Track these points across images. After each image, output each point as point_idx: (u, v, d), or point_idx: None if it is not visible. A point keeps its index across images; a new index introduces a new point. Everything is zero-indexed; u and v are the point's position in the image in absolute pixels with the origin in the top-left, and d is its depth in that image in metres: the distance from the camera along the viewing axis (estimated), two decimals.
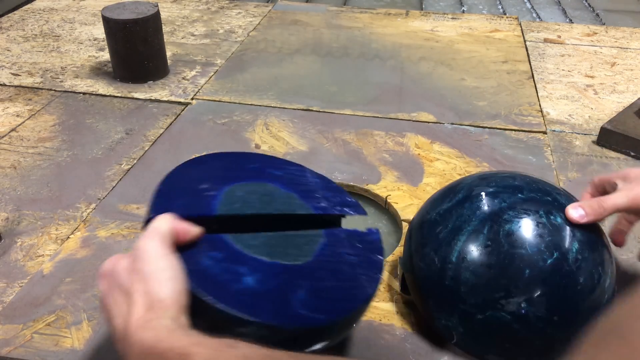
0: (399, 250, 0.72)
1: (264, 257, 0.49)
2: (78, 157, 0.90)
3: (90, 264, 0.69)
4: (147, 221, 0.50)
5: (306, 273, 0.49)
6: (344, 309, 0.47)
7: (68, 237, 0.74)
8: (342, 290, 0.48)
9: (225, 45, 1.31)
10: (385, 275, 0.68)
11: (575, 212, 0.55)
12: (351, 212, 0.57)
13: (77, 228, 0.75)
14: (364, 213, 0.57)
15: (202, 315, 0.44)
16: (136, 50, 1.09)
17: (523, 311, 0.52)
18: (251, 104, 1.06)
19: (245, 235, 0.50)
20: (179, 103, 1.06)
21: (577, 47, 1.32)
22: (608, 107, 1.07)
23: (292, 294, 0.46)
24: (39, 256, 0.71)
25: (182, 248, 0.47)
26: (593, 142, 0.96)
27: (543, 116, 1.03)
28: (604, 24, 1.65)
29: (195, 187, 0.54)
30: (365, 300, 0.49)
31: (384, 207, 0.82)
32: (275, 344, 0.41)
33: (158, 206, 0.51)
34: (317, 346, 0.49)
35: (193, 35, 1.37)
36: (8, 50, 1.27)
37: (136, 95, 1.09)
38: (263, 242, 0.50)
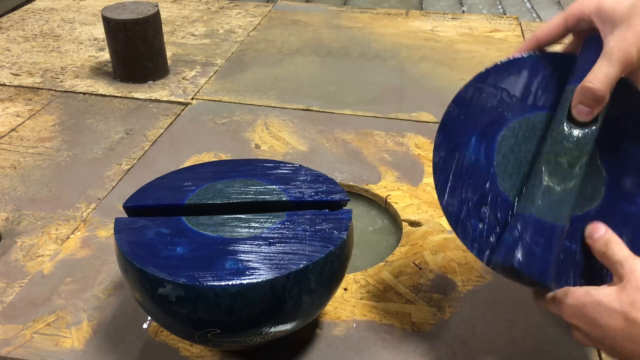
0: (399, 251, 0.72)
1: (207, 232, 0.52)
2: (78, 157, 0.90)
3: (90, 264, 0.69)
4: (125, 208, 0.57)
5: (244, 243, 0.50)
6: (260, 275, 0.47)
7: (68, 237, 0.74)
8: (269, 260, 0.49)
9: (225, 45, 1.31)
10: (386, 276, 0.68)
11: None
12: (326, 199, 0.57)
13: (77, 228, 0.75)
14: (345, 199, 0.58)
15: (133, 276, 0.49)
16: (136, 50, 1.10)
17: None
18: (251, 104, 1.06)
19: (203, 217, 0.54)
20: (179, 103, 1.06)
21: None
22: None
23: (218, 260, 0.49)
24: (39, 256, 0.71)
25: (137, 228, 0.52)
26: None
27: None
28: None
29: (180, 184, 0.59)
30: (295, 270, 0.48)
31: (384, 207, 0.82)
32: (209, 311, 0.47)
33: (137, 196, 0.58)
34: (272, 328, 0.50)
35: (193, 35, 1.37)
36: (8, 50, 1.27)
37: (136, 95, 1.09)
38: (217, 222, 0.53)
